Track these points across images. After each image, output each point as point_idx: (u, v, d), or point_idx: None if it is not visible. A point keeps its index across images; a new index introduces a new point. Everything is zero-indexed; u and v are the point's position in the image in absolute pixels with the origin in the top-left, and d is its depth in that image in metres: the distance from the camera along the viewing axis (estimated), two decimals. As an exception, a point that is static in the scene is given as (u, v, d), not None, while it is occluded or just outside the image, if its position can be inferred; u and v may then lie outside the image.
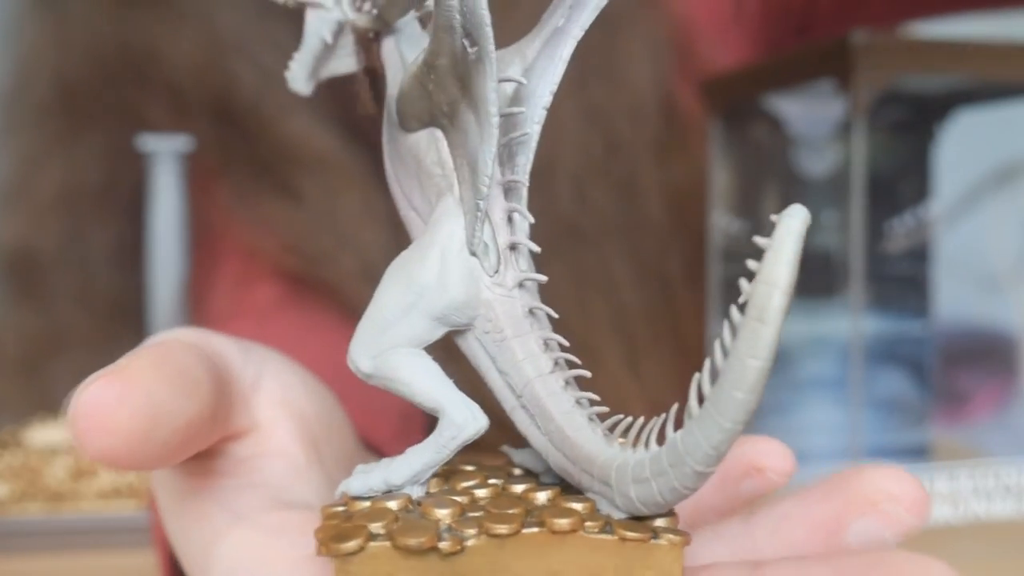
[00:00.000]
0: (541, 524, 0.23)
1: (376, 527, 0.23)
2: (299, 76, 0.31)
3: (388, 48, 0.29)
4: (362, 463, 0.31)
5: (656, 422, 0.23)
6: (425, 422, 0.46)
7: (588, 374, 0.25)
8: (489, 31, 0.23)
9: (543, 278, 0.26)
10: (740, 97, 0.54)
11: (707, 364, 0.22)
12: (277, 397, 0.29)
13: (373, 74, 0.30)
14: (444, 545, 0.22)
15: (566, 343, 0.25)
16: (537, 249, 0.26)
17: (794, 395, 0.53)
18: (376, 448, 0.37)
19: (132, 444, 0.23)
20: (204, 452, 0.27)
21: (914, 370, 0.54)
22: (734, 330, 0.21)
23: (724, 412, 0.21)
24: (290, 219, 0.53)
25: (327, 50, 0.31)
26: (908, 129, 0.54)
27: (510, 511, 0.24)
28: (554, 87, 0.25)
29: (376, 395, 0.32)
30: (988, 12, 0.62)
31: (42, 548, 0.45)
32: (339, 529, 0.23)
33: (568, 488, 0.25)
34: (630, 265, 0.58)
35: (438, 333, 0.25)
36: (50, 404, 0.57)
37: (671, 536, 0.23)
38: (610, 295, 0.55)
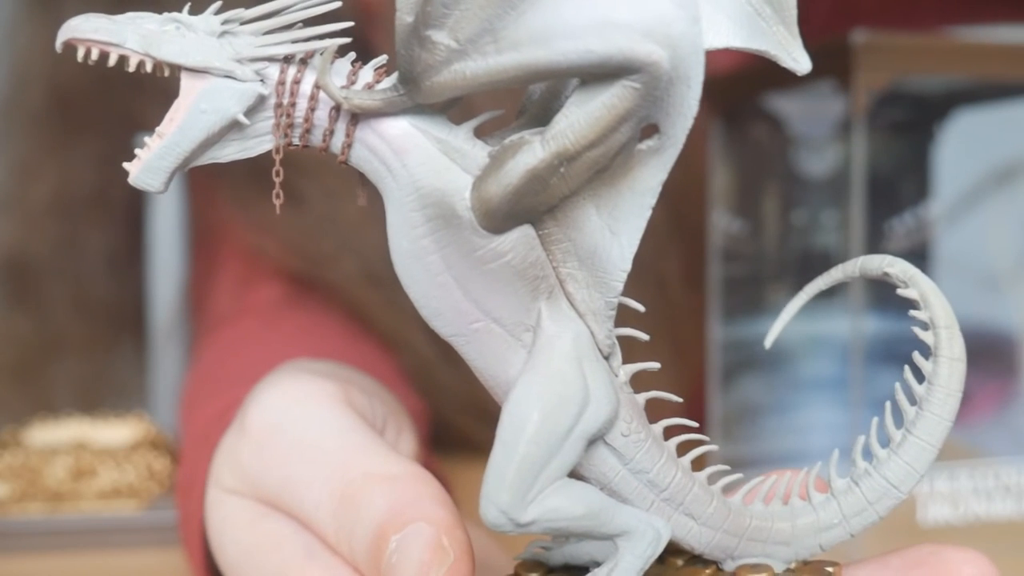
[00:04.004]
0: None
1: None
2: (160, 168, 0.23)
3: (400, 132, 0.23)
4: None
5: (798, 476, 0.26)
6: (423, 408, 0.47)
7: (715, 447, 0.26)
8: (691, 124, 0.21)
9: (655, 365, 0.25)
10: (740, 97, 0.54)
11: (887, 406, 0.26)
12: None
13: (322, 153, 0.24)
14: None
15: (694, 424, 0.26)
16: (646, 338, 0.24)
17: (794, 395, 0.52)
18: None
19: None
20: None
21: (914, 370, 0.53)
22: (926, 371, 0.26)
23: (932, 438, 0.26)
24: (291, 223, 0.53)
25: (231, 132, 0.24)
26: (908, 129, 0.54)
27: None
28: None
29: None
30: (983, 22, 0.62)
31: (42, 548, 0.45)
32: None
33: (697, 560, 0.26)
34: None
35: (583, 454, 0.23)
36: (48, 406, 0.57)
37: (831, 567, 0.26)
38: None
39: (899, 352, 0.53)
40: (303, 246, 0.53)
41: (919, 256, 0.53)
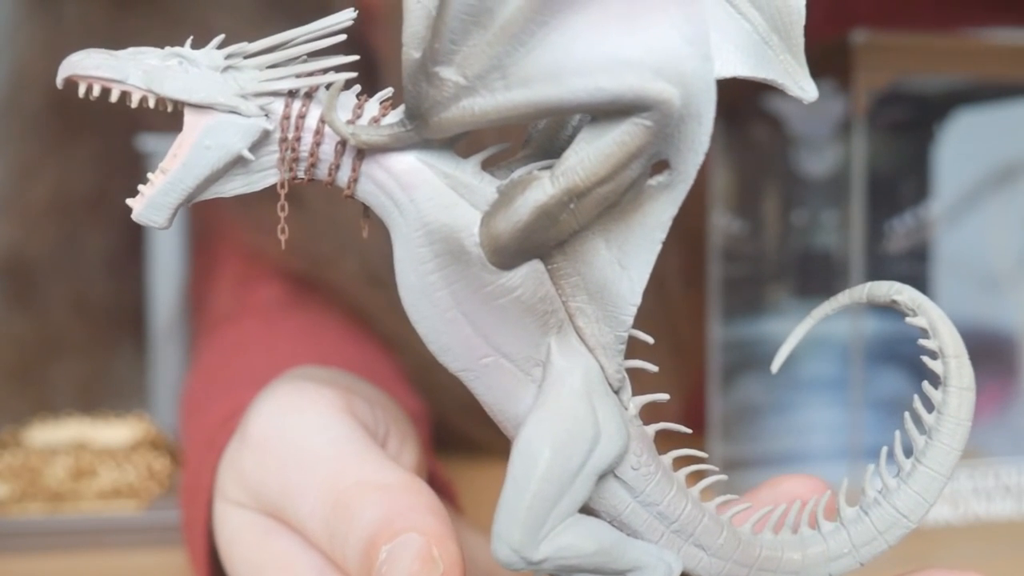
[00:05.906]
0: None
1: None
2: (164, 205, 0.23)
3: (407, 167, 0.23)
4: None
5: (807, 506, 0.26)
6: (425, 409, 0.46)
7: (725, 477, 0.26)
8: (702, 159, 0.21)
9: (665, 396, 0.25)
10: (740, 97, 0.54)
11: (897, 435, 0.26)
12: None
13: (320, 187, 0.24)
14: None
15: (703, 455, 0.26)
16: (655, 369, 0.24)
17: (794, 395, 0.52)
18: None
19: None
20: None
21: (914, 370, 0.53)
22: (935, 400, 0.25)
23: (942, 468, 0.25)
24: (292, 223, 0.53)
25: (235, 167, 0.23)
26: (908, 129, 0.54)
27: None
28: None
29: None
30: (979, 25, 0.62)
31: (42, 548, 0.45)
32: None
33: None
34: None
35: (594, 489, 0.23)
36: (48, 406, 0.57)
37: None
38: None
39: (898, 352, 0.53)
40: (304, 246, 0.53)
41: (919, 256, 0.53)
